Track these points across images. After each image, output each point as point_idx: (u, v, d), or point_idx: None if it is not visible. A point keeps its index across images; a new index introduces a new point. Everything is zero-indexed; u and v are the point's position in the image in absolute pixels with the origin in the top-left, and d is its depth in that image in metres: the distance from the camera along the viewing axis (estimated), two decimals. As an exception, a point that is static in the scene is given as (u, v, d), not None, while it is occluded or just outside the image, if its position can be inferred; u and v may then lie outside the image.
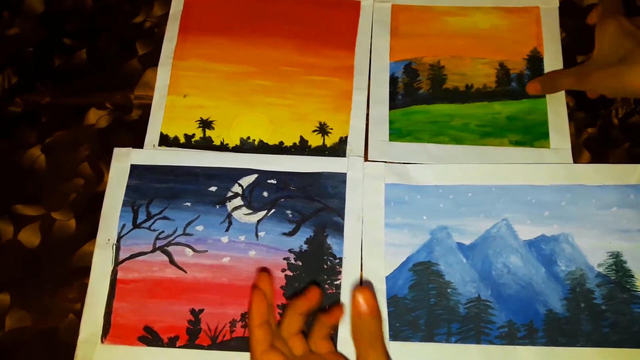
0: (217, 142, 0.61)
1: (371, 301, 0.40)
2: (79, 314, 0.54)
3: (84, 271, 0.55)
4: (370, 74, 0.64)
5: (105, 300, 0.54)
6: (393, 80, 0.64)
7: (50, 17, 0.67)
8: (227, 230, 0.57)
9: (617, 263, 0.54)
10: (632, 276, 0.54)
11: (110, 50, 0.65)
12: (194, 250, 0.56)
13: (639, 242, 0.55)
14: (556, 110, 0.61)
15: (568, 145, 0.60)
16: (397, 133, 0.61)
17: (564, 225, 0.56)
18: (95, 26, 0.66)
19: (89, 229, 0.57)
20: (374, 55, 0.65)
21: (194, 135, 0.61)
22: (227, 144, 0.60)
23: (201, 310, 0.54)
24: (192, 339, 0.53)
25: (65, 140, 0.61)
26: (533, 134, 0.60)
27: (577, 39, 0.65)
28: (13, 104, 0.63)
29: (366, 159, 0.60)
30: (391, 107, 0.63)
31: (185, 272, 0.55)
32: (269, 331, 0.45)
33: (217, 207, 0.58)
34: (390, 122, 0.62)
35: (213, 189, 0.58)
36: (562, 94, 0.62)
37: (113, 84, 0.63)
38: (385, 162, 0.60)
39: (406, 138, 0.61)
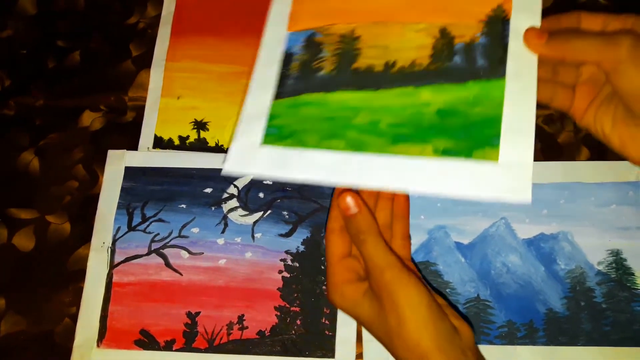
0: (211, 143, 0.60)
1: (358, 200, 0.42)
2: (74, 318, 0.54)
3: (79, 275, 0.55)
4: (260, 49, 0.47)
5: (101, 303, 0.54)
6: (287, 58, 0.46)
7: (44, 19, 0.66)
8: (223, 232, 0.56)
9: (617, 261, 0.54)
10: (633, 274, 0.53)
11: (103, 52, 0.65)
12: (189, 252, 0.56)
13: (638, 240, 0.54)
14: (519, 97, 0.40)
15: (529, 157, 0.38)
16: (275, 134, 0.43)
17: (562, 224, 0.55)
18: (89, 27, 0.66)
19: (84, 232, 0.57)
20: (269, 24, 0.49)
21: (188, 136, 0.60)
22: (221, 145, 0.60)
23: (197, 313, 0.53)
24: (188, 342, 0.53)
25: (59, 142, 0.61)
26: (473, 139, 0.40)
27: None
28: (6, 107, 0.62)
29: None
30: (277, 96, 0.45)
31: (181, 274, 0.55)
32: (346, 238, 0.43)
33: (213, 208, 0.57)
34: (271, 117, 0.44)
35: (208, 190, 0.58)
36: (533, 71, 0.41)
37: (107, 86, 0.63)
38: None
39: (285, 141, 0.43)
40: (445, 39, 0.43)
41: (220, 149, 0.60)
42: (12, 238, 0.57)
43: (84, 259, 0.55)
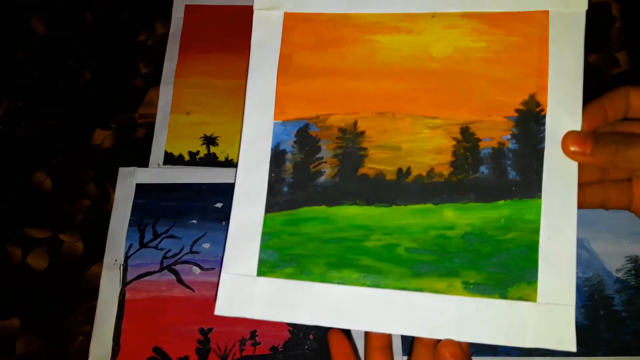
0: (221, 158, 0.60)
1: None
2: (88, 337, 0.54)
3: (92, 293, 0.55)
4: (240, 144, 0.40)
5: (114, 321, 0.54)
6: (277, 157, 0.39)
7: (55, 40, 0.67)
8: (234, 246, 0.56)
9: (637, 267, 0.53)
10: (652, 281, 0.52)
11: (113, 71, 0.65)
12: (201, 268, 0.55)
13: (657, 246, 0.53)
14: (558, 221, 0.35)
15: (571, 296, 0.34)
16: (272, 260, 0.37)
17: (579, 231, 0.54)
18: (98, 47, 0.66)
19: (96, 250, 0.57)
20: (249, 109, 0.40)
21: (198, 152, 0.61)
22: (231, 160, 0.60)
23: (210, 329, 0.53)
24: (201, 358, 0.52)
25: (71, 161, 0.61)
26: (507, 271, 0.35)
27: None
28: (19, 128, 0.63)
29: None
30: (269, 208, 0.38)
31: (193, 290, 0.55)
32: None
33: (224, 223, 0.57)
34: (265, 237, 0.37)
35: (219, 205, 0.58)
36: (574, 188, 0.35)
37: (117, 104, 0.63)
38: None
39: (286, 270, 0.37)
40: (468, 141, 0.37)
41: (230, 164, 0.60)
42: (26, 257, 0.57)
43: (97, 277, 0.55)
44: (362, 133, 0.38)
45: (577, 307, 0.52)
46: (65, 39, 0.67)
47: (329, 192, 0.38)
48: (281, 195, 0.38)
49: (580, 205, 0.36)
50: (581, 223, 0.54)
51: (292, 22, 0.40)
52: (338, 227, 0.37)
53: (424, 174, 0.37)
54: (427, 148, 0.37)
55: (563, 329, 0.34)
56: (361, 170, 0.38)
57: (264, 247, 0.37)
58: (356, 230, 0.37)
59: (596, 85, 0.58)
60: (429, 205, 0.36)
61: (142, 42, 0.66)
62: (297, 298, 0.36)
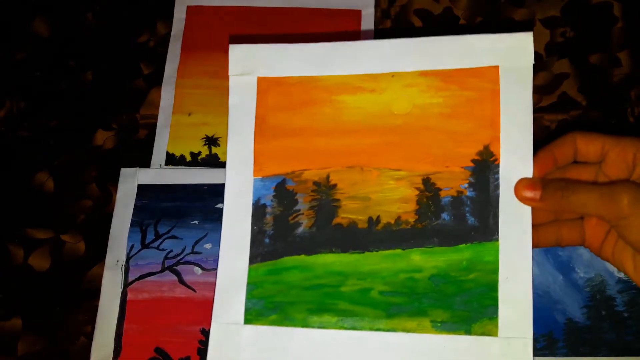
0: (223, 159, 0.60)
1: None
2: (90, 337, 0.54)
3: (94, 293, 0.55)
4: (226, 199, 0.43)
5: (116, 322, 0.54)
6: (258, 211, 0.42)
7: (57, 41, 0.67)
8: (235, 247, 0.56)
9: (638, 268, 0.53)
10: (655, 281, 0.52)
11: (115, 71, 0.65)
12: (203, 268, 0.56)
13: (659, 246, 0.53)
14: (514, 261, 0.38)
15: (528, 330, 0.37)
16: (257, 309, 0.40)
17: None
18: (100, 47, 0.66)
19: (98, 251, 0.57)
20: (231, 167, 0.43)
21: (200, 152, 0.61)
22: (233, 160, 0.60)
23: (212, 330, 0.53)
24: (203, 359, 0.52)
25: (73, 162, 0.61)
26: (471, 309, 0.38)
27: (586, 34, 0.63)
28: (21, 128, 0.63)
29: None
30: (253, 259, 0.41)
31: (195, 291, 0.55)
32: None
33: (225, 224, 0.57)
34: (250, 287, 0.41)
35: (220, 205, 0.57)
36: (528, 231, 0.38)
37: (119, 105, 0.63)
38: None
39: (270, 317, 0.40)
40: (429, 191, 0.40)
41: (231, 164, 0.60)
42: (28, 258, 0.57)
43: (99, 278, 0.56)
44: (335, 186, 0.41)
45: (579, 307, 0.52)
46: (67, 40, 0.67)
47: (307, 242, 0.41)
48: (263, 247, 0.41)
49: (535, 245, 0.39)
50: (583, 223, 0.54)
51: (265, 86, 0.43)
52: (316, 274, 0.40)
53: (392, 221, 0.40)
54: (393, 198, 0.40)
55: (515, 352, 0.37)
56: (335, 220, 0.41)
57: (249, 296, 0.40)
58: (333, 277, 0.40)
59: (600, 86, 0.58)
60: (398, 251, 0.40)
61: (144, 43, 0.66)
62: (282, 343, 0.39)
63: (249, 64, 0.43)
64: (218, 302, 0.41)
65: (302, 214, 0.41)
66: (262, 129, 0.43)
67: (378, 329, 0.39)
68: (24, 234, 0.58)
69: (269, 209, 0.42)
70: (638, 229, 0.36)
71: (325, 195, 0.41)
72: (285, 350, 0.39)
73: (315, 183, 0.42)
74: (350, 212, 0.41)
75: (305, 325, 0.39)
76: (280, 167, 0.42)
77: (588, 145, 0.39)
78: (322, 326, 0.39)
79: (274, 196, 0.42)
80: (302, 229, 0.41)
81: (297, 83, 0.43)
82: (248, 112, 0.43)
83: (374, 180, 0.41)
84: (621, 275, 0.52)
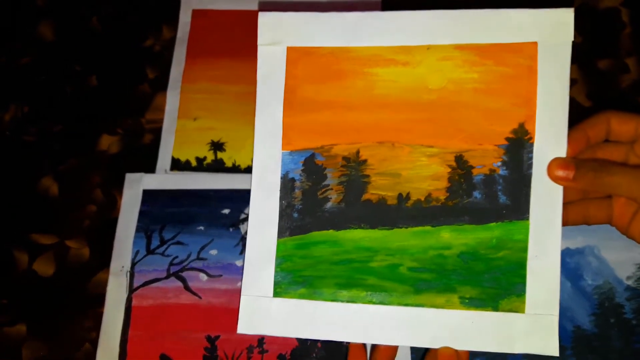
0: (228, 164, 0.60)
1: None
2: (94, 343, 0.53)
3: (99, 299, 0.55)
4: (254, 172, 0.42)
5: (121, 328, 0.54)
6: (287, 184, 0.41)
7: (62, 45, 0.67)
8: (241, 253, 0.56)
9: (647, 275, 0.52)
10: (664, 289, 0.52)
11: (120, 76, 0.65)
12: (208, 275, 0.55)
13: (669, 254, 0.52)
14: (544, 240, 0.38)
15: (555, 308, 0.38)
16: (286, 281, 0.40)
17: (588, 238, 0.54)
18: (105, 52, 0.66)
19: (103, 257, 0.56)
20: (259, 140, 0.42)
21: (205, 158, 0.60)
22: (239, 165, 0.60)
23: (217, 337, 0.53)
24: (208, 366, 0.52)
25: (78, 167, 0.61)
26: (499, 286, 0.39)
27: (594, 40, 0.63)
28: (26, 133, 0.63)
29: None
30: (282, 232, 0.41)
31: (200, 297, 0.54)
32: None
33: (231, 229, 0.57)
34: (279, 261, 0.41)
35: (226, 211, 0.57)
36: (558, 210, 0.38)
37: (124, 109, 0.63)
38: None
39: (299, 291, 0.40)
40: (462, 169, 0.40)
41: (237, 170, 0.60)
42: (32, 264, 0.57)
43: (104, 284, 0.55)
44: (365, 161, 0.41)
45: (587, 315, 0.51)
46: (72, 44, 0.67)
47: (336, 217, 0.41)
48: (292, 221, 0.41)
49: (564, 224, 0.39)
50: (592, 230, 0.54)
51: (295, 56, 0.42)
52: (345, 249, 0.40)
53: (422, 198, 0.40)
54: (424, 175, 0.40)
55: (547, 336, 0.38)
56: (365, 196, 0.41)
57: (278, 270, 0.40)
58: (362, 252, 0.40)
59: (608, 92, 0.58)
60: (428, 228, 0.40)
61: (149, 47, 0.66)
62: (311, 316, 0.40)
63: (278, 33, 0.42)
64: (247, 275, 0.41)
65: (331, 189, 0.41)
66: (291, 101, 0.42)
67: (406, 304, 0.39)
68: (29, 240, 0.58)
69: (297, 184, 0.41)
70: None
71: (354, 170, 0.41)
72: (314, 323, 0.40)
73: (344, 158, 0.41)
74: (379, 189, 0.40)
75: (333, 299, 0.40)
76: (309, 141, 0.41)
77: (622, 125, 0.39)
78: (350, 300, 0.40)
79: (302, 170, 0.41)
80: (331, 204, 0.41)
81: (328, 54, 0.42)
82: (277, 84, 0.42)
83: (405, 157, 0.40)
84: (630, 282, 0.52)
